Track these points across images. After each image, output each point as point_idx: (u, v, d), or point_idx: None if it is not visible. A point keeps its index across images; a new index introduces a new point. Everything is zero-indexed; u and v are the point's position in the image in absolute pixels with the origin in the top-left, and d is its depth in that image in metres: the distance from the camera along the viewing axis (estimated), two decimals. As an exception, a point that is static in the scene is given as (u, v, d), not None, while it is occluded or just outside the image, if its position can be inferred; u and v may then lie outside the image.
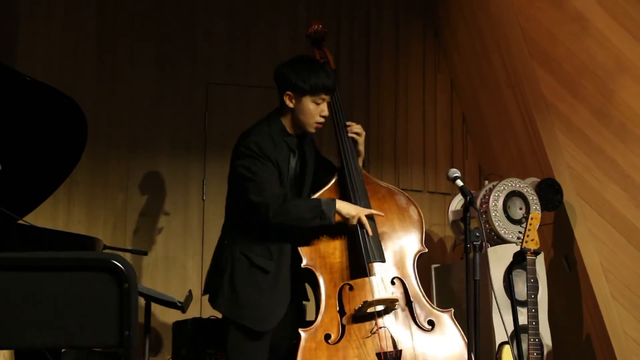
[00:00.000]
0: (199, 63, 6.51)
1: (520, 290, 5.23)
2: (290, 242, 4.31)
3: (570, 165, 6.02)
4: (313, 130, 4.40)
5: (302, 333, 4.18)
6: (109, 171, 6.23)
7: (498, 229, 5.68)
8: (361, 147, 4.57)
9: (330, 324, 4.23)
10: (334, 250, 4.35)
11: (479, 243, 4.04)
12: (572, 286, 6.08)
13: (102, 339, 2.56)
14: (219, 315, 4.60)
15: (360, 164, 4.59)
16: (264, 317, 4.23)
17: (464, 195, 4.19)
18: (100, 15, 6.32)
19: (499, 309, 4.78)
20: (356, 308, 4.22)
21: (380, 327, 4.23)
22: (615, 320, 5.92)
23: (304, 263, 4.30)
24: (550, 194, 5.86)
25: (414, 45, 7.06)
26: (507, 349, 4.87)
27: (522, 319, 4.85)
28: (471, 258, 4.02)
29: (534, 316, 4.72)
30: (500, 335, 5.30)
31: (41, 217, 5.53)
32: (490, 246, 5.61)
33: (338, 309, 4.26)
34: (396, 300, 4.28)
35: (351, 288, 4.29)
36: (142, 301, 5.18)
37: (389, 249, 4.42)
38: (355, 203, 4.38)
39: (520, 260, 4.80)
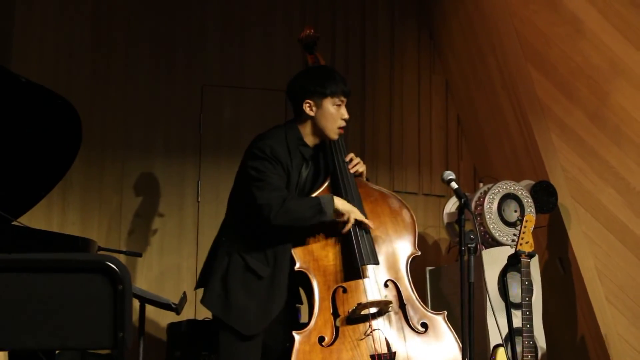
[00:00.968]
0: (194, 65, 6.51)
1: (515, 293, 5.23)
2: (287, 247, 4.31)
3: (565, 167, 6.02)
4: (335, 137, 4.40)
5: (296, 336, 4.18)
6: (103, 172, 6.22)
7: (493, 231, 5.68)
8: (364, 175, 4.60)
9: (324, 327, 4.23)
10: (327, 253, 4.35)
11: (473, 245, 4.04)
12: (567, 289, 6.08)
13: (97, 340, 2.56)
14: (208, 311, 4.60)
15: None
16: (250, 321, 4.22)
17: (459, 197, 4.19)
18: (95, 17, 6.32)
19: (493, 311, 4.79)
20: (350, 310, 4.22)
21: (374, 330, 4.23)
22: (609, 322, 5.93)
23: (297, 266, 4.30)
24: (545, 196, 5.86)
25: (409, 46, 7.06)
26: (501, 352, 4.86)
27: (517, 322, 4.86)
28: (466, 260, 4.02)
29: (528, 319, 4.72)
30: (494, 338, 5.30)
31: (36, 219, 5.52)
32: (485, 248, 5.61)
33: (332, 311, 4.26)
34: (390, 302, 4.28)
35: (345, 290, 4.29)
36: (136, 303, 5.17)
37: (382, 251, 4.42)
38: None
39: (514, 262, 4.80)
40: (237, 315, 4.21)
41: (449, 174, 4.29)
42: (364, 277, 4.29)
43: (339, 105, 4.35)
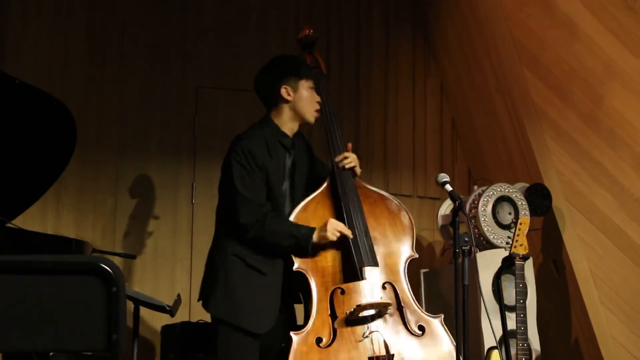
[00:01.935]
0: (188, 67, 6.51)
1: (509, 295, 5.23)
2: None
3: (559, 170, 6.03)
4: (312, 119, 4.47)
5: (294, 336, 4.18)
6: (98, 174, 6.21)
7: (487, 233, 5.69)
8: (357, 171, 4.60)
9: (321, 328, 4.23)
10: (325, 253, 4.35)
11: (468, 248, 4.04)
12: (561, 291, 6.09)
13: (90, 342, 2.55)
14: (208, 319, 4.60)
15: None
16: (261, 318, 4.23)
17: (453, 200, 4.20)
18: (89, 19, 6.31)
19: (487, 313, 4.79)
20: (348, 312, 4.22)
21: (372, 332, 4.23)
22: (603, 325, 5.93)
23: (295, 266, 4.30)
24: (539, 199, 5.87)
25: (403, 49, 7.06)
26: (495, 354, 4.87)
27: (511, 324, 4.86)
28: (460, 263, 4.03)
29: (522, 321, 4.73)
30: (488, 340, 5.30)
31: (30, 220, 5.52)
32: (479, 251, 5.61)
33: (329, 312, 4.26)
34: (389, 304, 4.28)
35: (343, 292, 4.29)
36: (130, 305, 5.16)
37: (380, 253, 4.42)
38: (347, 206, 4.40)
39: (509, 265, 4.81)
40: (248, 316, 4.21)
41: (444, 177, 4.29)
42: (362, 279, 4.29)
43: (312, 88, 4.45)
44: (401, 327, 4.31)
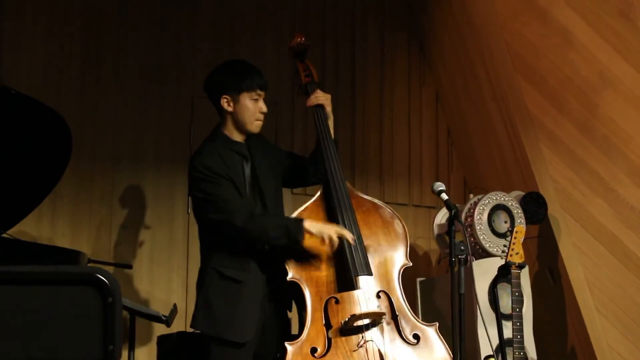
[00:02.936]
0: (184, 76, 6.50)
1: (505, 304, 5.23)
2: (262, 252, 4.30)
3: (555, 178, 6.04)
4: (255, 130, 4.41)
5: (288, 347, 4.17)
6: (93, 184, 6.21)
7: (483, 242, 5.69)
8: (329, 109, 4.62)
9: (316, 338, 4.22)
10: (319, 263, 4.34)
11: (463, 256, 4.04)
12: (557, 299, 6.09)
13: (87, 353, 2.55)
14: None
15: (331, 124, 4.63)
16: (242, 327, 4.21)
17: (449, 208, 4.20)
18: (85, 29, 6.30)
19: (484, 322, 4.79)
20: (343, 321, 4.21)
21: (367, 341, 4.23)
22: (599, 333, 5.94)
23: (289, 276, 4.28)
24: (535, 207, 5.87)
25: (399, 58, 7.08)
26: (492, 363, 4.87)
27: (507, 333, 4.86)
28: (456, 271, 4.03)
29: (518, 329, 4.73)
30: (485, 349, 5.30)
31: (25, 231, 5.51)
32: (475, 260, 5.62)
33: (324, 322, 4.25)
34: (383, 313, 4.28)
35: (337, 301, 4.28)
36: (126, 315, 5.16)
37: (374, 262, 4.41)
38: (341, 215, 4.38)
39: (505, 273, 4.81)
40: (227, 326, 4.19)
41: (439, 185, 4.30)
42: (357, 288, 4.29)
43: (256, 100, 4.37)
44: (396, 336, 4.30)
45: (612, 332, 5.95)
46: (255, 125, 4.39)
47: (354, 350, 4.20)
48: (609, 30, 5.92)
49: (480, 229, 5.70)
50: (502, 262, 4.84)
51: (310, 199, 4.49)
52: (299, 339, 4.20)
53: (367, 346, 4.21)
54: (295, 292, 4.34)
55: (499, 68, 6.19)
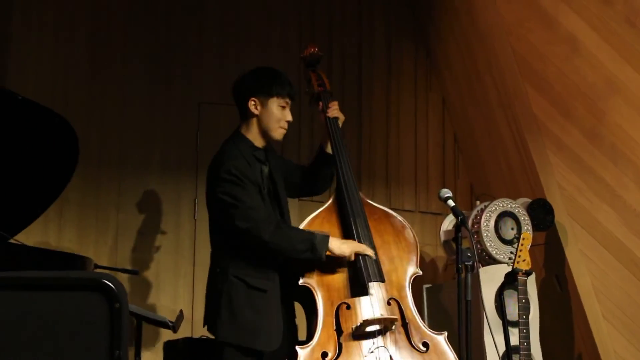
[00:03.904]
0: (190, 82, 6.51)
1: (512, 311, 5.22)
2: (282, 260, 4.31)
3: (562, 185, 6.03)
4: (279, 137, 4.44)
5: (300, 350, 4.17)
6: (100, 190, 6.21)
7: (490, 249, 5.68)
8: (340, 124, 4.67)
9: (327, 342, 4.21)
10: (331, 268, 4.34)
11: (470, 263, 4.04)
12: (564, 306, 6.08)
13: (93, 358, 2.55)
14: (210, 335, 4.59)
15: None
16: (270, 336, 4.22)
17: (456, 215, 4.20)
18: (92, 34, 6.32)
19: (490, 329, 4.78)
20: (354, 327, 4.21)
21: (378, 347, 4.22)
22: (606, 340, 5.92)
23: (301, 281, 4.29)
24: (542, 214, 5.87)
25: (405, 64, 7.08)
26: (498, 370, 4.86)
27: (514, 340, 4.85)
28: (463, 278, 4.02)
29: (525, 336, 4.72)
30: (491, 356, 5.29)
31: (32, 236, 5.51)
32: (482, 266, 5.61)
33: (335, 327, 4.25)
34: (395, 319, 4.27)
35: (349, 307, 4.28)
36: (133, 321, 5.16)
37: (386, 270, 4.40)
38: (354, 224, 4.39)
39: (511, 280, 4.80)
40: (257, 336, 4.19)
41: (446, 192, 4.30)
42: (368, 294, 4.28)
43: (284, 107, 4.40)
44: (406, 344, 4.29)
45: (618, 339, 5.94)
46: (279, 132, 4.42)
47: (365, 356, 4.20)
48: (616, 36, 5.91)
49: (487, 235, 5.69)
50: (509, 269, 4.83)
51: (322, 206, 4.50)
52: (309, 344, 4.20)
53: (378, 352, 4.21)
54: (306, 297, 4.33)
55: (505, 74, 6.18)
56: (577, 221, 6.02)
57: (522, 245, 4.78)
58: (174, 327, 5.22)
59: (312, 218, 4.44)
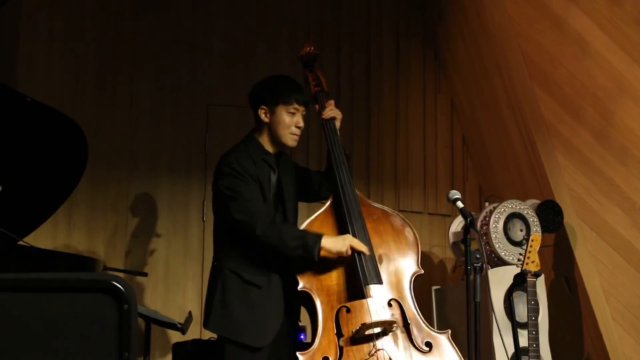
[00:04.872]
0: (199, 85, 6.52)
1: (521, 312, 5.22)
2: (280, 258, 4.31)
3: (571, 187, 6.02)
4: (291, 143, 4.47)
5: (300, 356, 4.17)
6: (109, 192, 6.23)
7: (498, 250, 5.67)
8: (338, 123, 4.67)
9: (327, 347, 4.21)
10: (330, 272, 4.34)
11: (479, 265, 4.03)
12: (573, 308, 6.07)
13: (102, 360, 2.55)
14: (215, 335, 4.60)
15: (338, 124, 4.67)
16: (259, 332, 4.23)
17: (465, 216, 4.19)
18: (101, 38, 6.34)
19: (499, 330, 4.77)
20: (354, 330, 4.20)
21: (379, 349, 4.22)
22: (615, 342, 5.91)
23: (300, 286, 4.29)
24: (551, 215, 5.86)
25: (414, 66, 7.08)
26: (507, 371, 4.85)
27: (523, 341, 4.84)
28: (472, 280, 4.02)
29: (534, 338, 4.71)
30: (501, 357, 5.28)
31: (41, 238, 5.53)
32: (491, 268, 5.60)
33: (335, 331, 4.24)
34: (394, 322, 4.26)
35: (348, 310, 4.28)
36: (141, 322, 5.16)
37: (385, 271, 4.40)
38: (351, 225, 4.38)
39: (520, 282, 4.79)
40: (245, 330, 4.21)
41: (455, 194, 4.29)
42: (367, 297, 4.28)
43: (293, 113, 4.43)
44: (408, 344, 4.28)
45: (628, 341, 5.92)
46: (290, 138, 4.45)
47: (366, 359, 4.19)
48: (625, 38, 5.90)
49: (495, 237, 5.69)
50: (518, 270, 4.82)
51: (320, 208, 4.50)
52: (310, 348, 4.20)
53: (379, 355, 4.20)
54: (306, 302, 4.34)
55: (514, 76, 6.18)
56: (586, 223, 6.01)
57: (531, 246, 4.77)
58: (183, 329, 5.22)
59: (311, 221, 4.45)
